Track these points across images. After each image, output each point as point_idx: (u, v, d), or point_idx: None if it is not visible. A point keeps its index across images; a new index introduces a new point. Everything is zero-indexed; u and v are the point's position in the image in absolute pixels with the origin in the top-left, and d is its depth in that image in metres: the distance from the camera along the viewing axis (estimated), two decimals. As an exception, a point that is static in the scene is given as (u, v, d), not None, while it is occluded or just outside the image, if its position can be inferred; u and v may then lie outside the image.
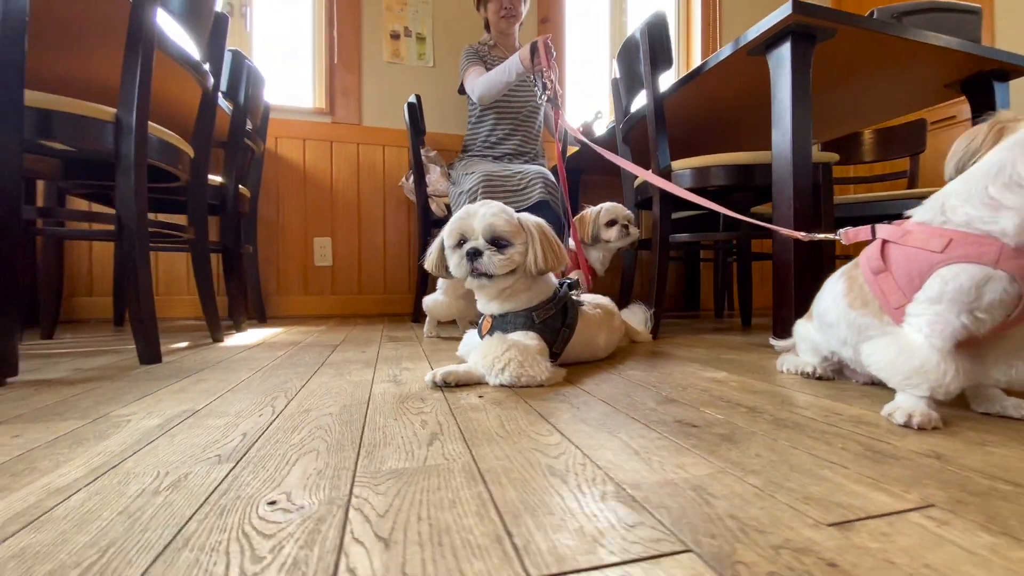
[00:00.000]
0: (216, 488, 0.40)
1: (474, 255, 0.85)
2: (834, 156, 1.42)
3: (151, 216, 1.84)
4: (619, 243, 1.49)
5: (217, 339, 1.36)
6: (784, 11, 1.12)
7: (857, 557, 0.30)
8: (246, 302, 1.92)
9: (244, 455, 0.48)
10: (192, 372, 0.90)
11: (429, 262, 0.92)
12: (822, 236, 0.81)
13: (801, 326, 0.85)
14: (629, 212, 1.54)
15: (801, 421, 0.58)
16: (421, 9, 2.45)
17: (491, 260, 0.84)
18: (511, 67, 1.78)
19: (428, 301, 1.40)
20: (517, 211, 1.72)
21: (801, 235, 0.86)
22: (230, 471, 0.44)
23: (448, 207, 1.98)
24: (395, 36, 2.42)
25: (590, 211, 1.52)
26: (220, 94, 1.52)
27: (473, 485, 0.40)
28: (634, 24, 2.98)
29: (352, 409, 0.65)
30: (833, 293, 0.73)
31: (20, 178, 0.82)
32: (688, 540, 0.32)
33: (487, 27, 2.16)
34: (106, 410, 0.64)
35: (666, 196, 1.44)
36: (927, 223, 0.58)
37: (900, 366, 0.58)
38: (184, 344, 1.30)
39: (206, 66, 1.29)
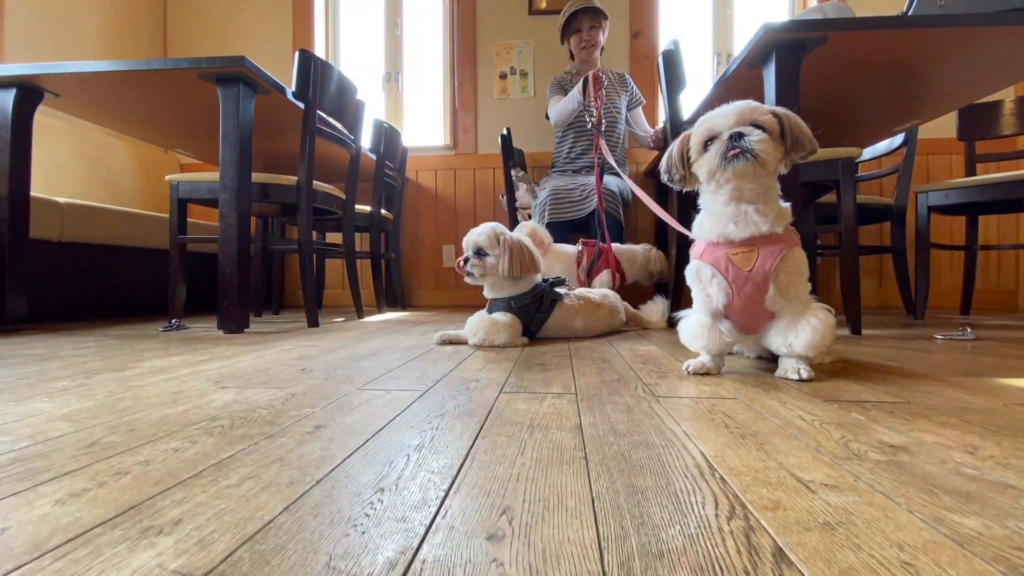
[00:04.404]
0: (299, 367, 0.92)
1: (465, 262, 1.27)
2: (856, 151, 1.41)
3: (328, 235, 2.68)
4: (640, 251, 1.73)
5: (360, 316, 2.04)
6: (759, 33, 1.26)
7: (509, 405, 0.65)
8: (387, 293, 2.65)
9: (311, 358, 1.00)
10: (328, 332, 1.52)
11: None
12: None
13: None
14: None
15: (616, 363, 0.86)
16: (524, 49, 2.92)
17: (472, 265, 1.25)
18: (573, 97, 2.12)
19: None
20: (578, 217, 2.08)
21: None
22: (304, 369, 0.95)
23: (531, 217, 2.40)
24: (503, 76, 2.93)
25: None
26: (366, 150, 2.22)
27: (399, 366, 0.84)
28: (740, 16, 2.96)
29: (379, 349, 1.14)
30: None
31: (250, 222, 1.54)
32: (431, 387, 0.70)
33: (572, 57, 2.51)
34: (275, 344, 1.26)
35: (684, 202, 1.61)
36: (704, 236, 0.81)
37: (687, 335, 0.81)
38: (341, 318, 2.01)
39: (352, 137, 1.97)
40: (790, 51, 1.27)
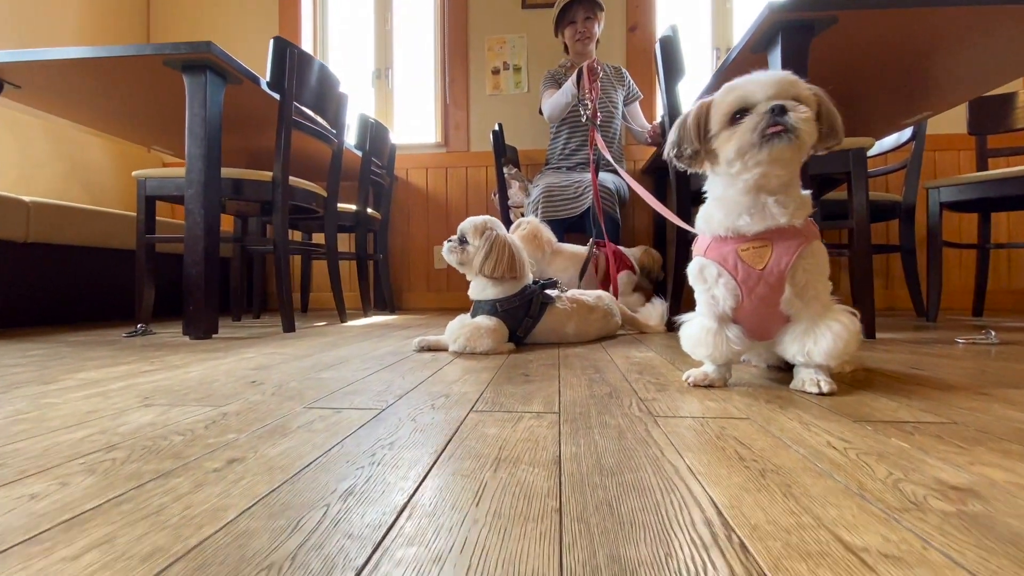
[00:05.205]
0: (250, 379, 0.81)
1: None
2: (868, 141, 1.32)
3: (316, 235, 2.58)
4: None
5: (343, 320, 1.94)
6: (763, 13, 1.16)
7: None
8: (375, 296, 2.56)
9: (268, 368, 0.89)
10: (302, 338, 1.42)
11: None
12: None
13: None
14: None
15: (608, 373, 0.76)
16: (517, 44, 2.82)
17: (451, 249, 1.16)
18: (567, 89, 2.02)
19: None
20: (572, 215, 1.98)
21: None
22: (255, 381, 0.85)
23: (524, 215, 2.30)
24: (495, 71, 2.84)
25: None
26: (351, 146, 2.13)
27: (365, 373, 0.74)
28: (740, 7, 2.87)
29: (349, 357, 1.03)
30: None
31: (218, 220, 1.43)
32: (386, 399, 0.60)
33: (566, 50, 2.42)
34: (238, 351, 1.15)
35: (683, 198, 1.51)
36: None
37: (689, 341, 0.71)
38: (323, 322, 1.90)
39: (334, 131, 1.87)
40: (797, 33, 1.18)
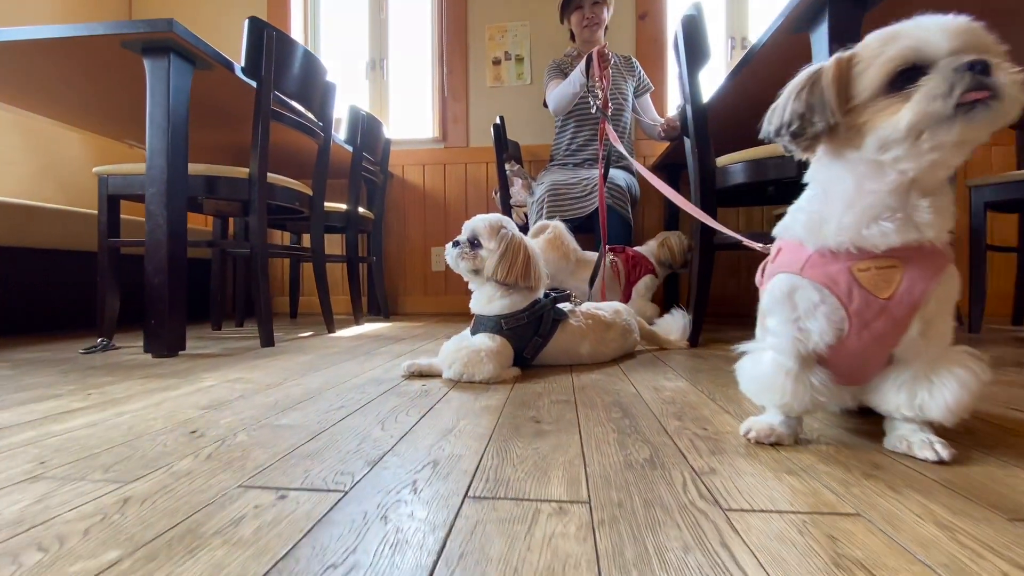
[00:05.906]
0: (191, 427, 0.65)
1: (455, 245, 1.03)
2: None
3: (306, 236, 2.42)
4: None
5: (330, 330, 1.78)
6: (811, -19, 1.00)
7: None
8: (369, 301, 2.40)
9: (223, 406, 0.73)
10: (279, 355, 1.26)
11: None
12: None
13: None
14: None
15: (639, 417, 0.60)
16: (519, 32, 2.65)
17: (462, 253, 1.00)
18: (574, 79, 1.86)
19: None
20: (580, 215, 1.82)
21: (758, 247, 0.79)
22: (196, 431, 0.69)
23: (526, 215, 2.14)
24: (496, 62, 2.67)
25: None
26: (340, 140, 1.97)
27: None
28: (757, -5, 2.69)
29: (324, 387, 0.87)
30: None
31: (184, 221, 1.27)
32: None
33: (572, 38, 2.26)
34: (200, 376, 0.99)
35: (707, 198, 1.35)
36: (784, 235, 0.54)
37: (755, 382, 0.55)
38: (308, 333, 1.74)
39: (320, 124, 1.70)
40: (848, 6, 1.02)
